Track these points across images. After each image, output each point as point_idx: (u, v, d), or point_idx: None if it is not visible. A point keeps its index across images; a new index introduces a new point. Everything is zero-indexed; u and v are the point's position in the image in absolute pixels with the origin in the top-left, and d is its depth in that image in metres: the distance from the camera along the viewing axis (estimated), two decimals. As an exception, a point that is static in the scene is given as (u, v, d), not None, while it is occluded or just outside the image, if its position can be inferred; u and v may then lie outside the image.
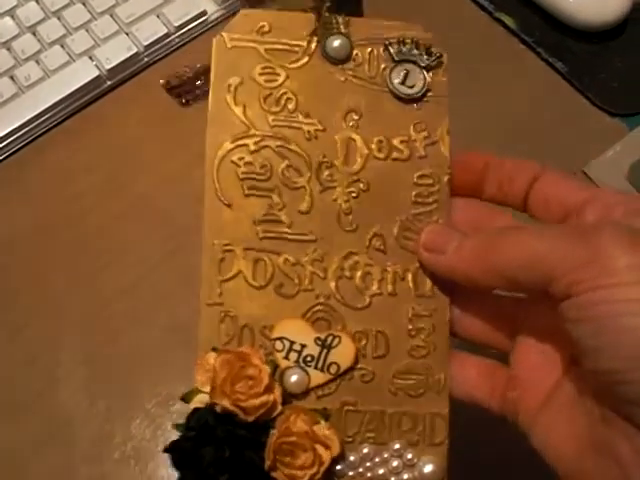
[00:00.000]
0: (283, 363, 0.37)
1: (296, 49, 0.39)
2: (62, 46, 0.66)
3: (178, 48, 0.69)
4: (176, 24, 0.68)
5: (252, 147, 0.39)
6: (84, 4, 0.68)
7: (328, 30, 0.39)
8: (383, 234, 0.39)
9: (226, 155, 0.39)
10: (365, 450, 0.38)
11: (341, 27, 0.40)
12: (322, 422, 0.37)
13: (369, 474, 0.38)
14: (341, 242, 0.39)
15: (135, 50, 0.66)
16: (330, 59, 0.39)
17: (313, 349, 0.37)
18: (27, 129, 0.64)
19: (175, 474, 0.51)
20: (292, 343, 0.37)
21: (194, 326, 0.55)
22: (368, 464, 0.38)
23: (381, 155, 0.39)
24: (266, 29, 0.39)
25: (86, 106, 0.66)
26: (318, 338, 0.37)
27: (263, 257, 0.38)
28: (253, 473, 0.35)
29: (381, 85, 0.40)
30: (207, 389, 0.36)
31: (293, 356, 0.37)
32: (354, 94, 0.39)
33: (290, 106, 0.39)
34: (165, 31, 0.67)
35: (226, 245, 0.38)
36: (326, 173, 0.39)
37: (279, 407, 0.36)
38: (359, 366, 0.38)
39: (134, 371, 0.57)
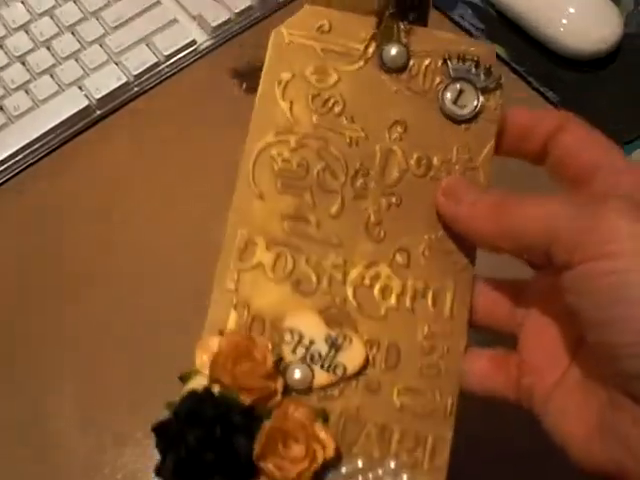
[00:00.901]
0: (289, 357, 0.36)
1: (353, 52, 0.39)
2: (51, 76, 0.66)
3: (168, 77, 0.69)
4: (166, 53, 0.67)
5: (293, 144, 0.38)
6: (73, 33, 0.68)
7: (388, 37, 0.39)
8: (409, 249, 0.38)
9: (266, 148, 0.38)
10: (359, 463, 0.36)
11: (402, 35, 0.39)
12: (319, 423, 0.35)
13: (358, 489, 0.36)
14: (365, 251, 0.38)
15: (125, 80, 0.66)
16: (385, 67, 0.39)
17: (322, 347, 0.36)
18: (16, 159, 0.63)
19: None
20: (301, 337, 0.36)
21: (179, 358, 0.55)
22: (360, 478, 0.35)
23: (419, 172, 0.39)
24: (326, 28, 0.39)
25: (76, 136, 0.66)
26: (329, 336, 0.36)
27: (285, 253, 0.37)
28: (239, 460, 0.33)
29: (432, 101, 0.39)
30: (207, 371, 0.35)
31: (300, 351, 0.36)
32: (403, 106, 0.39)
33: (337, 109, 0.39)
34: (155, 60, 0.67)
35: (250, 235, 0.37)
36: (361, 181, 0.38)
37: (278, 398, 0.35)
38: (366, 374, 0.36)
39: (124, 400, 0.55)
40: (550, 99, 0.68)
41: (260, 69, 0.40)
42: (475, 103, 0.39)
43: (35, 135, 0.64)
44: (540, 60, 0.70)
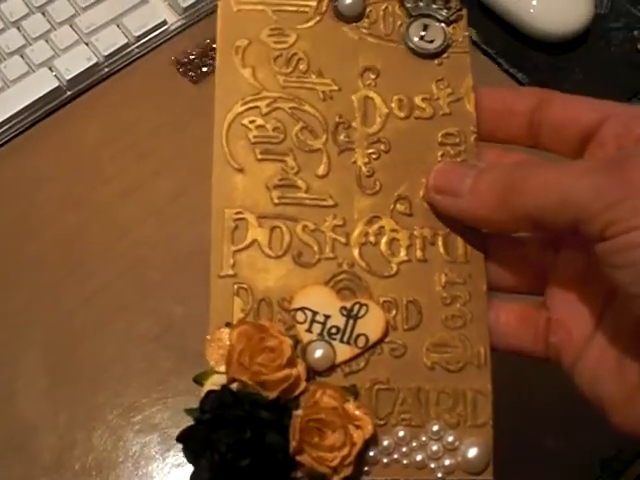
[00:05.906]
0: (306, 337, 0.31)
1: (306, 9, 0.35)
2: (22, 56, 0.62)
3: (138, 58, 0.65)
4: (136, 34, 0.64)
5: (264, 109, 0.34)
6: (43, 14, 0.63)
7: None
8: (408, 196, 0.34)
9: (236, 118, 0.34)
10: (400, 433, 0.32)
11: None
12: (351, 401, 0.31)
13: (405, 461, 0.32)
14: (363, 206, 0.33)
15: (95, 60, 0.62)
16: (343, 17, 0.35)
17: (338, 320, 0.32)
18: (-14, 140, 0.60)
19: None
20: (315, 314, 0.32)
21: (154, 337, 0.53)
22: (404, 449, 0.32)
23: (402, 114, 0.34)
24: None
25: (46, 117, 0.62)
26: (343, 307, 0.32)
27: (279, 225, 0.33)
28: (276, 458, 0.29)
29: (398, 42, 0.35)
30: (222, 368, 0.31)
31: (316, 328, 0.32)
32: (370, 52, 0.35)
33: (302, 66, 0.35)
34: (125, 41, 0.63)
35: (238, 213, 0.33)
36: (343, 134, 0.34)
37: (303, 384, 0.30)
38: (389, 339, 0.32)
39: (95, 382, 0.53)
40: (520, 80, 0.64)
41: (200, 55, 0.36)
42: (442, 35, 0.36)
43: (5, 116, 0.60)
44: (510, 42, 0.66)
